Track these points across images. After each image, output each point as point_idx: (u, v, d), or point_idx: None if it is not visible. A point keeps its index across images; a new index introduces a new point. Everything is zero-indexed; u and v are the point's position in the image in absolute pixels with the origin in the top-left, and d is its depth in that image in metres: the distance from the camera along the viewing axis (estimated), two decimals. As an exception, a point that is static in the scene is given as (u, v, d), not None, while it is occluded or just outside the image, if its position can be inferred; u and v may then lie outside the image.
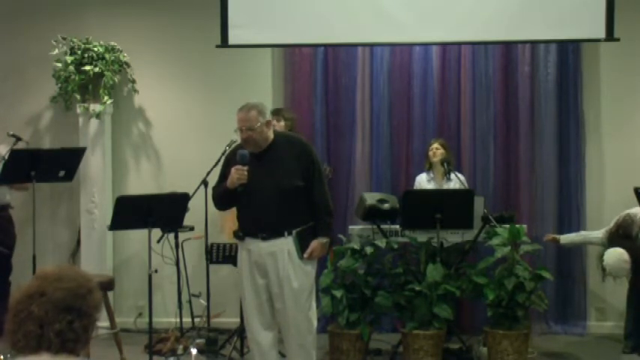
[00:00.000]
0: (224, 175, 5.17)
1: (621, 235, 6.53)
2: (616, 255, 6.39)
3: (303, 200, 5.06)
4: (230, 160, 5.19)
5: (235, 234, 5.20)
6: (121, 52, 7.59)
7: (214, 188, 5.30)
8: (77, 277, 2.34)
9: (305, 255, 5.05)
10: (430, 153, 7.10)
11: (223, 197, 5.18)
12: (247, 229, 5.11)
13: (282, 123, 7.21)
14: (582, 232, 7.11)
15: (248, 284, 5.11)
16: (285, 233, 5.03)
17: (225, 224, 7.10)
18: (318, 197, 5.10)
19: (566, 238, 7.00)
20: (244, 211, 5.14)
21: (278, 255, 5.03)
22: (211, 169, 6.88)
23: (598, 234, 6.82)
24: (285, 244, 5.04)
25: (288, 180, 5.01)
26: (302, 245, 5.05)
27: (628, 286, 6.71)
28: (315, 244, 5.08)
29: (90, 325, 2.32)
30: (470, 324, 7.26)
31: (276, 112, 7.19)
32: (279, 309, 5.09)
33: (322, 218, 5.14)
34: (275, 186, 4.99)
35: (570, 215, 7.47)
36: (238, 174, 4.97)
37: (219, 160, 6.89)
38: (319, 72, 7.62)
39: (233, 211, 6.97)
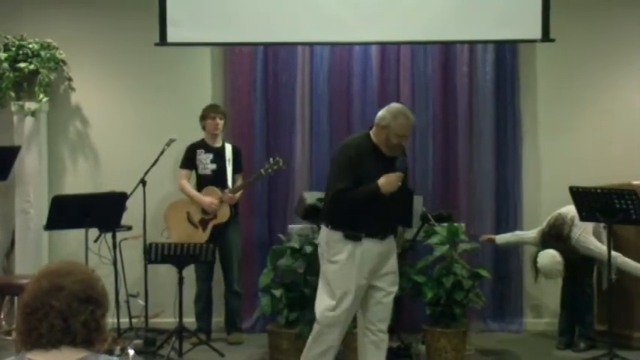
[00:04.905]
0: (357, 178, 5.09)
1: (553, 235, 6.60)
2: (549, 257, 6.48)
3: None
4: (355, 163, 5.10)
5: (349, 234, 5.13)
6: (57, 49, 7.46)
7: (347, 191, 5.08)
8: (83, 269, 2.41)
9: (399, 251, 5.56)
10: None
11: (367, 201, 5.10)
12: (369, 229, 5.14)
13: (223, 121, 7.16)
14: (517, 232, 7.18)
15: (358, 280, 5.12)
16: (393, 233, 5.35)
17: (172, 226, 7.01)
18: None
19: (501, 239, 7.07)
20: (370, 212, 5.11)
21: (391, 254, 5.30)
22: (149, 168, 6.83)
23: (532, 234, 6.91)
24: (394, 244, 5.34)
25: (405, 183, 5.31)
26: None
27: (562, 285, 6.83)
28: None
29: (105, 313, 2.37)
30: (409, 322, 7.27)
31: (219, 110, 7.13)
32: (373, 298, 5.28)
33: None
34: (399, 189, 5.14)
35: (507, 214, 7.55)
36: (400, 181, 5.10)
37: (157, 160, 6.85)
38: (259, 70, 7.57)
39: (179, 213, 6.97)
